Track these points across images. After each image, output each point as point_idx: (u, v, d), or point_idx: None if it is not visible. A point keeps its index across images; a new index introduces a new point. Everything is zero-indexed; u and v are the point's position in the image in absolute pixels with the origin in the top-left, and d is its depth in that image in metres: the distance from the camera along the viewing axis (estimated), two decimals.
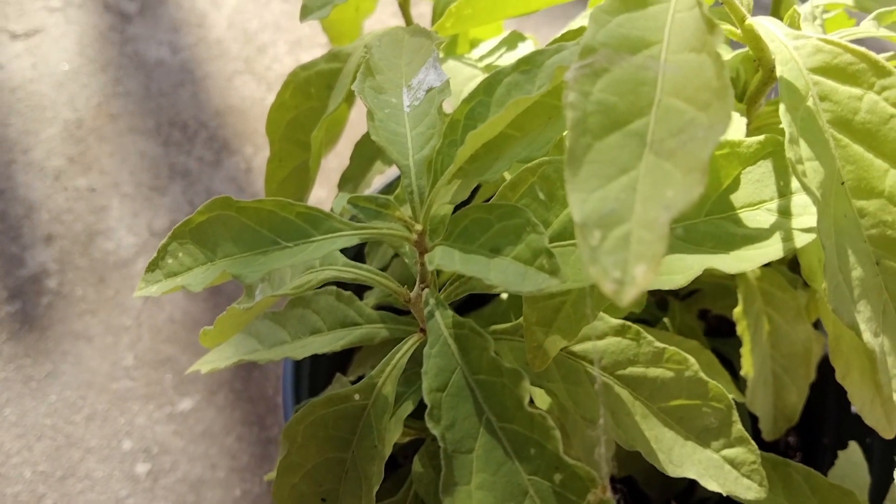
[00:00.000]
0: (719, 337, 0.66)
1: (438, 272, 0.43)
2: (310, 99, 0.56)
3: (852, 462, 0.57)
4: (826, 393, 0.73)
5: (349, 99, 0.62)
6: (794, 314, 0.54)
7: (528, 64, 0.35)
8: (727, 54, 0.48)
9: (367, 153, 0.58)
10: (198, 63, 1.23)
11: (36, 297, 1.02)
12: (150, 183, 1.12)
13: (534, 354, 0.39)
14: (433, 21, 0.61)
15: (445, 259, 0.35)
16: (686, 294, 0.66)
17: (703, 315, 0.71)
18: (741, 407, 0.57)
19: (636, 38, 0.28)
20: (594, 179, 0.25)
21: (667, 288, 0.35)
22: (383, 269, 0.53)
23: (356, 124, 0.73)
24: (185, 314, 1.02)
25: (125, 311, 1.02)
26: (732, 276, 0.56)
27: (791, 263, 0.59)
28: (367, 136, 0.59)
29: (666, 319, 0.61)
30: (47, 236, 1.07)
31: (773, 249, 0.36)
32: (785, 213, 0.37)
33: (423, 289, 0.39)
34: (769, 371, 0.55)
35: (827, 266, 0.34)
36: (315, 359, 0.63)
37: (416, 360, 0.40)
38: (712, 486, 0.41)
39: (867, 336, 0.34)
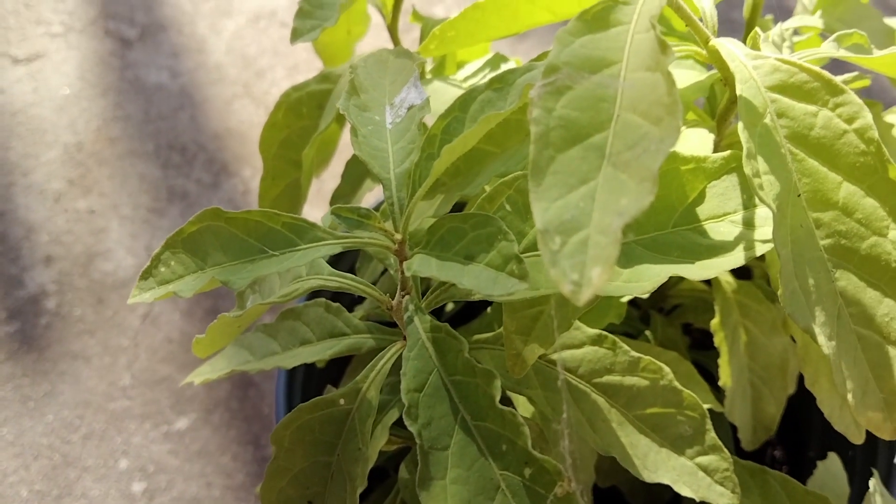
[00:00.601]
0: (703, 350, 0.68)
1: (423, 285, 0.45)
2: (301, 119, 0.58)
3: (831, 472, 0.58)
4: (811, 407, 0.74)
5: (340, 119, 0.64)
6: (771, 326, 0.56)
7: (501, 82, 0.37)
8: (702, 75, 0.50)
9: (357, 172, 0.60)
10: (197, 87, 1.25)
11: (35, 318, 1.04)
12: (149, 205, 1.13)
13: (513, 362, 0.41)
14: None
15: (423, 266, 0.37)
16: (669, 309, 0.67)
17: (689, 330, 0.72)
18: (722, 418, 0.58)
19: (598, 57, 0.30)
20: (556, 189, 0.27)
21: (635, 294, 0.37)
22: (374, 284, 0.55)
23: (349, 145, 0.75)
24: (182, 334, 1.04)
25: (123, 332, 1.03)
26: (712, 291, 0.58)
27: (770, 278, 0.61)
28: (357, 156, 0.61)
29: (648, 332, 0.62)
30: (47, 258, 1.08)
31: (734, 258, 0.38)
32: (748, 224, 0.39)
33: (403, 296, 0.41)
34: (747, 382, 0.57)
35: (783, 273, 0.35)
36: (307, 373, 0.65)
37: (400, 368, 0.41)
38: (686, 491, 0.42)
39: (822, 339, 0.35)
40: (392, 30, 0.63)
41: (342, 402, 0.42)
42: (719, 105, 0.47)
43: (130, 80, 1.25)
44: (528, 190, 0.27)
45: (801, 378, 0.62)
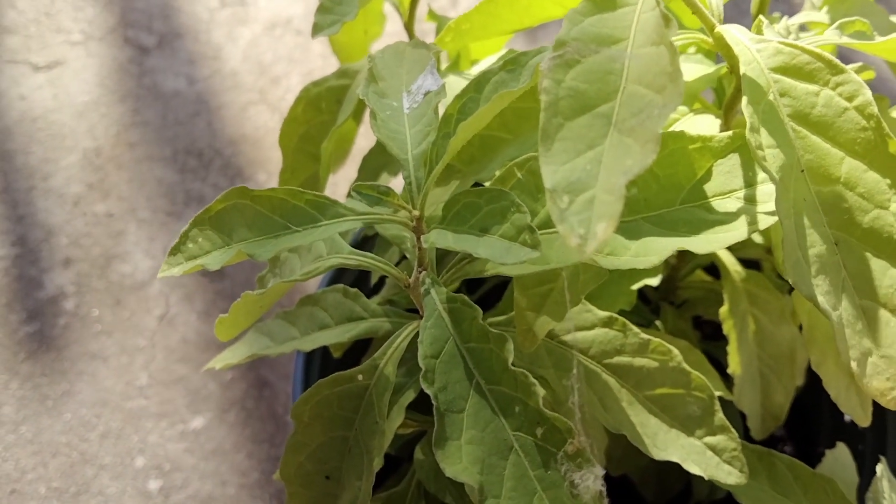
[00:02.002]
0: (713, 341, 0.69)
1: (438, 263, 0.46)
2: (321, 113, 0.60)
3: (840, 461, 0.59)
4: (820, 403, 0.75)
5: (357, 116, 0.65)
6: (779, 315, 0.57)
7: (513, 64, 0.39)
8: (710, 68, 0.51)
9: (373, 165, 0.62)
10: (213, 94, 1.27)
11: (53, 319, 1.05)
12: (167, 208, 1.15)
13: (524, 337, 0.42)
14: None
15: (440, 239, 0.38)
16: (680, 303, 0.68)
17: (699, 325, 0.73)
18: (731, 406, 0.59)
19: (606, 35, 0.32)
20: (564, 154, 0.28)
21: (642, 266, 0.38)
22: None
23: (365, 147, 0.77)
24: (198, 335, 1.05)
25: (140, 332, 1.05)
26: (722, 282, 0.59)
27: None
28: (374, 150, 0.62)
29: (658, 322, 0.63)
30: (66, 260, 1.10)
31: (739, 232, 0.39)
32: (752, 200, 0.40)
33: (420, 272, 0.42)
34: (756, 370, 0.58)
35: (786, 243, 0.37)
36: (324, 364, 0.66)
37: (416, 348, 0.43)
38: (695, 469, 0.43)
39: (825, 308, 0.37)
40: (408, 27, 0.65)
41: (360, 377, 0.44)
42: (726, 96, 0.48)
43: (148, 86, 1.27)
44: (539, 161, 0.28)
45: (810, 373, 0.63)
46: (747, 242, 0.60)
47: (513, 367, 0.38)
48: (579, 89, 0.30)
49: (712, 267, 0.67)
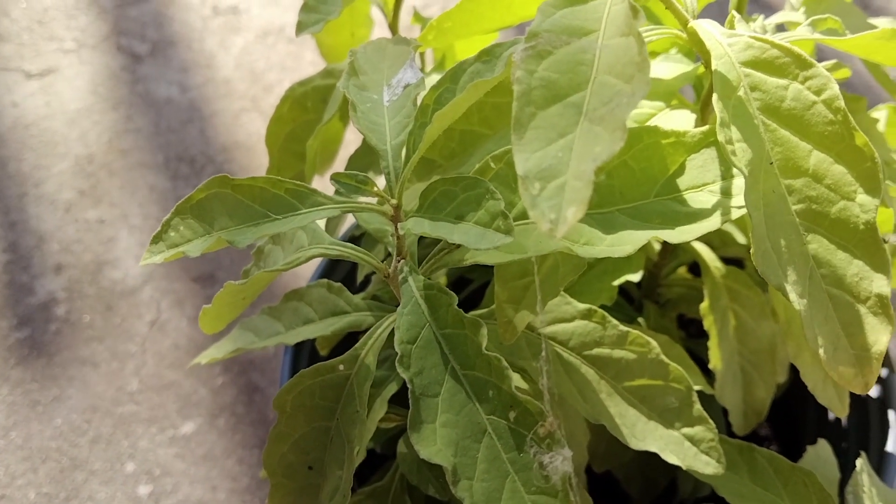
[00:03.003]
0: (696, 339, 0.69)
1: (419, 257, 0.47)
2: (306, 112, 0.61)
3: (822, 457, 0.59)
4: (805, 402, 0.76)
5: (344, 116, 0.66)
6: (759, 311, 0.57)
7: (488, 55, 0.40)
8: (689, 66, 0.52)
9: (359, 165, 0.62)
10: (206, 101, 1.28)
11: (44, 324, 1.06)
12: (158, 215, 1.16)
13: (504, 329, 0.43)
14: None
15: (417, 226, 0.39)
16: (664, 302, 0.69)
17: (684, 324, 0.74)
18: (713, 401, 0.60)
19: (577, 27, 0.33)
20: (536, 142, 0.29)
21: (617, 255, 0.39)
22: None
23: (351, 147, 0.78)
24: (189, 341, 1.05)
25: (131, 338, 1.05)
26: (702, 279, 0.59)
27: None
28: (359, 150, 0.63)
29: (641, 319, 0.64)
30: (57, 266, 1.10)
31: (711, 222, 0.40)
32: (725, 193, 0.41)
33: (399, 261, 0.43)
34: (737, 365, 0.58)
35: (755, 235, 0.38)
36: (312, 360, 0.66)
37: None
38: (673, 459, 0.44)
39: (793, 297, 0.37)
40: (393, 29, 0.65)
41: (341, 367, 0.44)
42: (703, 92, 0.49)
43: (141, 94, 1.28)
44: (512, 150, 0.29)
45: (794, 373, 0.64)
46: (729, 241, 0.61)
47: (487, 352, 0.39)
48: (551, 79, 0.31)
49: (695, 266, 0.68)
